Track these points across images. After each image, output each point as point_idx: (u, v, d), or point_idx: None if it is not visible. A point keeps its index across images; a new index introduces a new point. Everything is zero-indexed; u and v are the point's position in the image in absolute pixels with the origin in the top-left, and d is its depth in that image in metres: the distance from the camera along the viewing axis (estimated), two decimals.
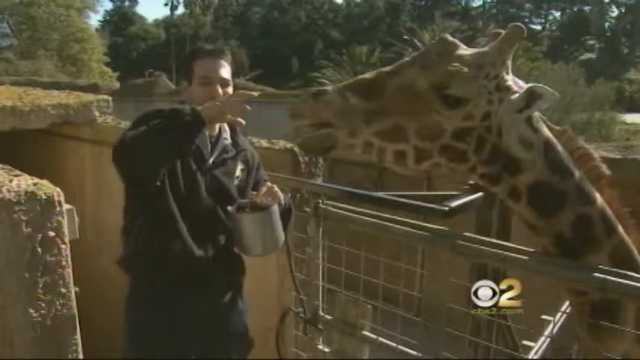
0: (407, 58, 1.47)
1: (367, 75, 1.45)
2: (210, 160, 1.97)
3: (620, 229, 1.50)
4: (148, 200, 1.87)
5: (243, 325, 2.11)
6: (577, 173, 1.47)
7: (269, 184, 1.95)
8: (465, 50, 1.43)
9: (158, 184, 1.83)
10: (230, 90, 1.99)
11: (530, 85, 1.38)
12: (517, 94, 1.39)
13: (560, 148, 1.47)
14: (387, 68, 1.44)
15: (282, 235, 1.95)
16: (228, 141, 2.04)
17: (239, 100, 1.78)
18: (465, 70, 1.38)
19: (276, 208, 1.89)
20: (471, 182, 1.86)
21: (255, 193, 1.96)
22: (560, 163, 1.45)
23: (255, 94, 1.87)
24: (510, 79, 1.43)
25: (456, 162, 1.43)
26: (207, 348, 1.99)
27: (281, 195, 1.94)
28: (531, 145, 1.43)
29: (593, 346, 1.54)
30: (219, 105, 1.75)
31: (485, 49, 1.43)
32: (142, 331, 1.94)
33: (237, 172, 2.04)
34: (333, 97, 1.38)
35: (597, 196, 1.48)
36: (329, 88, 1.41)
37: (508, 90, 1.40)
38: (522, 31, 1.39)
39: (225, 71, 1.97)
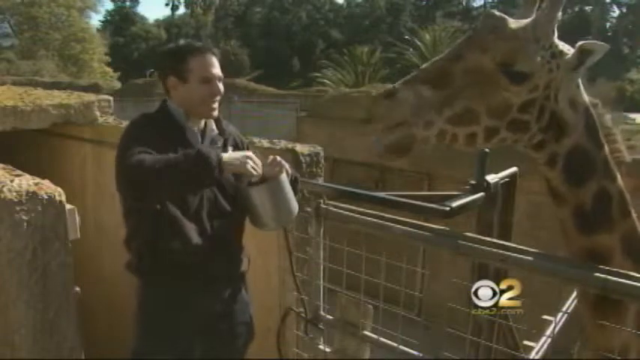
0: (459, 41, 1.50)
1: (427, 66, 1.47)
2: None
3: (634, 215, 1.54)
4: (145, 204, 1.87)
5: (248, 315, 2.12)
6: (606, 147, 1.52)
7: (272, 155, 1.94)
8: (514, 23, 1.46)
9: None
10: (221, 86, 1.99)
11: (580, 42, 1.43)
12: (569, 54, 1.45)
13: (595, 117, 1.52)
14: (445, 55, 1.47)
15: (295, 205, 1.93)
16: (215, 132, 2.05)
17: (258, 163, 1.78)
18: (529, 46, 1.42)
19: (284, 177, 1.89)
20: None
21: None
22: (595, 131, 1.51)
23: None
24: (560, 43, 1.47)
25: (520, 133, 1.48)
26: (213, 341, 2.00)
27: (286, 164, 1.94)
28: (577, 107, 1.49)
29: (594, 335, 1.54)
30: (245, 162, 1.75)
31: (532, 19, 1.46)
32: (156, 331, 1.94)
33: None
34: (405, 93, 1.40)
35: (618, 175, 1.52)
36: (396, 85, 1.43)
37: (562, 54, 1.46)
38: None
39: (219, 68, 1.99)
